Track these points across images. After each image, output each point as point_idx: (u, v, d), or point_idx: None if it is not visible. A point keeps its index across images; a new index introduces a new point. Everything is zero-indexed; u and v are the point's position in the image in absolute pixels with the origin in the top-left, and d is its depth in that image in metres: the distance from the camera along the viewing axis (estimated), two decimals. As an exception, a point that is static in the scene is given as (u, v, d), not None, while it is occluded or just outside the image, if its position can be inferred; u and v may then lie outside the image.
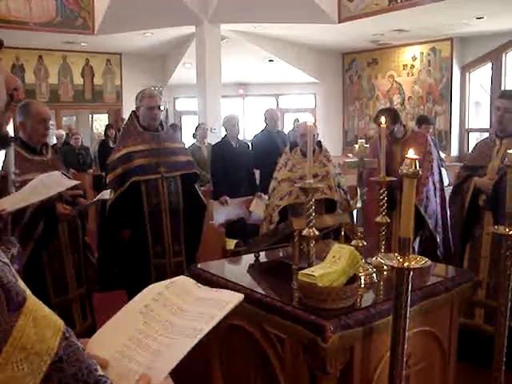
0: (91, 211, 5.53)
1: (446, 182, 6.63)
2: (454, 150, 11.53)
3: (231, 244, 5.75)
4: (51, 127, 3.81)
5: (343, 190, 4.76)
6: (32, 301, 0.76)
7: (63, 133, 11.32)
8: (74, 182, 3.36)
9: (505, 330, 2.79)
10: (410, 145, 4.29)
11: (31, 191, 2.79)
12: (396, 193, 4.25)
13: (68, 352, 0.77)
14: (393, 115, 4.53)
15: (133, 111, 4.46)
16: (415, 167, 1.79)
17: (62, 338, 0.77)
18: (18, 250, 1.36)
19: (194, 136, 8.27)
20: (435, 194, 4.53)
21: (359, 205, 2.82)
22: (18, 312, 0.73)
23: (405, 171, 1.80)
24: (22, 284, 0.77)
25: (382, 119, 2.72)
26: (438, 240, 4.47)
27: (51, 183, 2.99)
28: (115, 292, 4.58)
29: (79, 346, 0.80)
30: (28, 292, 0.77)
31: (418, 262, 1.83)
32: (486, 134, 9.05)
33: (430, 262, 1.85)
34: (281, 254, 3.15)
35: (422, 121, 7.55)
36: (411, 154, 1.82)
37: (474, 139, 11.14)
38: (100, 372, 0.82)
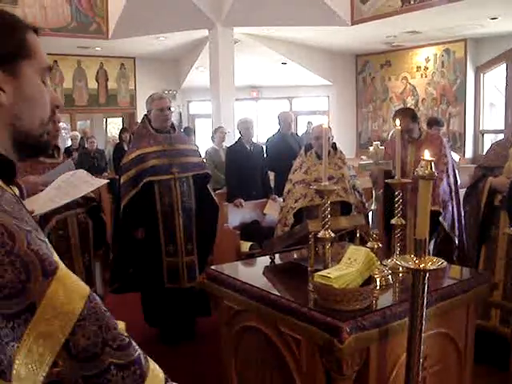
0: (106, 213, 5.56)
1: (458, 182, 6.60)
2: (469, 152, 11.45)
3: (246, 246, 5.77)
4: (65, 131, 3.82)
5: (358, 192, 4.75)
6: (64, 270, 0.92)
7: (78, 134, 11.39)
8: (103, 182, 3.36)
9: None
10: (424, 146, 4.29)
11: (58, 191, 2.77)
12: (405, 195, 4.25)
13: (91, 313, 0.92)
14: (412, 114, 4.55)
15: (145, 115, 4.56)
16: (431, 169, 1.79)
17: (86, 301, 0.93)
18: None
19: (213, 139, 8.33)
20: (451, 196, 4.51)
21: (374, 207, 2.82)
22: (51, 278, 0.89)
23: (420, 173, 1.80)
24: (56, 257, 0.93)
25: (397, 121, 2.72)
26: (456, 241, 4.45)
27: (78, 182, 2.97)
28: (127, 294, 4.63)
29: (102, 308, 0.96)
30: (61, 264, 0.93)
31: (434, 263, 1.83)
32: (501, 136, 9.01)
33: (446, 264, 1.84)
34: (295, 256, 3.16)
35: (432, 123, 7.49)
36: (427, 155, 1.82)
37: (488, 141, 11.05)
38: (120, 331, 0.97)
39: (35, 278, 0.87)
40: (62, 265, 0.93)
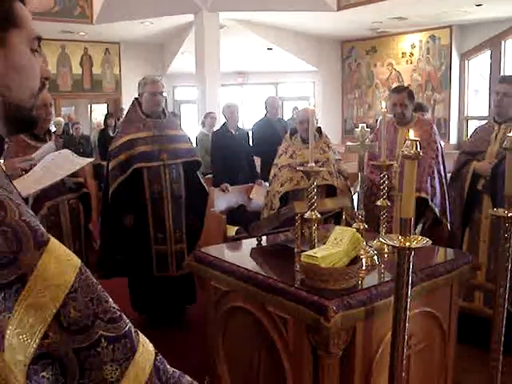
0: (93, 199, 5.54)
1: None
2: (453, 138, 11.55)
3: (232, 231, 5.78)
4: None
5: (343, 176, 4.77)
6: (55, 242, 0.92)
7: (62, 120, 11.28)
8: (88, 160, 3.33)
9: (503, 311, 2.83)
10: (414, 131, 4.28)
11: (44, 172, 2.75)
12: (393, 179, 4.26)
13: (82, 285, 0.92)
14: (409, 91, 4.55)
15: (135, 98, 4.47)
16: (416, 148, 1.81)
17: (78, 273, 0.92)
18: None
19: (203, 124, 8.38)
20: (441, 182, 4.52)
21: (359, 189, 2.85)
22: (43, 249, 0.88)
23: (406, 152, 1.82)
24: (45, 231, 0.92)
25: (383, 104, 2.74)
26: (449, 226, 4.45)
27: (63, 162, 2.94)
28: (115, 279, 4.62)
29: (94, 281, 0.95)
30: (52, 237, 0.92)
31: (419, 241, 1.86)
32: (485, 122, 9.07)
33: (430, 242, 1.87)
34: (282, 238, 3.18)
35: (417, 108, 7.52)
36: (411, 135, 1.84)
37: (473, 127, 11.12)
38: (111, 304, 0.97)
39: (27, 248, 0.86)
40: (53, 238, 0.92)
